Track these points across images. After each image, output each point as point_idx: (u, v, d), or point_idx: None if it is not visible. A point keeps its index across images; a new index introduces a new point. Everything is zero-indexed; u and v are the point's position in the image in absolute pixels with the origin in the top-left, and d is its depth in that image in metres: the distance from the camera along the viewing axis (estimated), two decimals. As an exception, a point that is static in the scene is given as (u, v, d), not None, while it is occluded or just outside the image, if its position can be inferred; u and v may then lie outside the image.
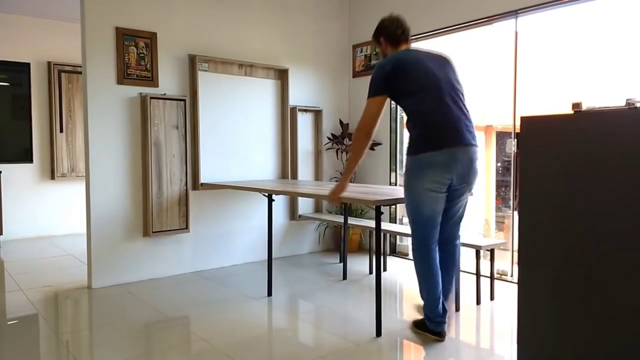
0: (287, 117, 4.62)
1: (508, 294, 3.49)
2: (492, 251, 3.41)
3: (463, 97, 2.59)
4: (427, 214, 2.56)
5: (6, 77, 5.70)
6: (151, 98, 3.81)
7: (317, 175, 4.93)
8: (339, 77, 5.14)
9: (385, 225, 4.27)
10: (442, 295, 2.67)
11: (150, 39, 3.86)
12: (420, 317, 2.89)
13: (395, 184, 4.80)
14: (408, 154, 2.61)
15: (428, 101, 2.50)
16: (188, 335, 2.91)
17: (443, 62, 2.64)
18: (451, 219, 2.70)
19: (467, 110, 2.58)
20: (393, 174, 4.80)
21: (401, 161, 4.82)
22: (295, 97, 4.72)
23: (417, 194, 2.55)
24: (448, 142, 2.46)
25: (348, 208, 4.90)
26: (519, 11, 3.73)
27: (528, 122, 1.83)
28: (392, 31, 2.72)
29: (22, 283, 3.85)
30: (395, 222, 4.78)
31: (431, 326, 2.71)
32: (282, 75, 4.63)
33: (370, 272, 4.09)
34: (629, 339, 1.58)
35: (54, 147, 5.86)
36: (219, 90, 4.25)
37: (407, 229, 4.24)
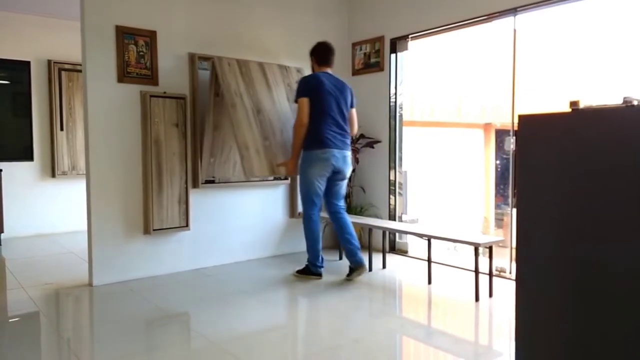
0: (286, 115, 4.64)
1: (506, 291, 3.50)
2: (490, 248, 3.43)
3: (346, 117, 3.78)
4: (313, 192, 3.70)
5: (6, 75, 5.70)
6: (151, 96, 3.82)
7: (317, 173, 4.94)
8: (338, 75, 5.11)
9: (385, 223, 4.29)
10: (321, 248, 3.88)
11: (150, 37, 3.87)
12: (301, 276, 3.88)
13: (395, 181, 4.81)
14: (303, 149, 3.70)
15: (324, 115, 3.64)
16: (188, 332, 2.93)
17: (344, 89, 3.80)
18: (336, 195, 3.85)
19: (346, 126, 3.77)
20: (392, 172, 4.81)
21: (400, 158, 4.83)
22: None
23: (309, 178, 3.68)
24: (330, 145, 3.63)
25: (346, 206, 4.93)
26: (517, 9, 3.73)
27: (526, 120, 1.84)
28: (319, 56, 3.88)
29: (23, 281, 3.87)
30: (395, 220, 4.79)
31: (314, 269, 3.83)
32: (281, 73, 4.64)
33: (370, 270, 4.10)
34: (627, 336, 1.59)
35: (54, 145, 5.87)
36: (218, 88, 4.25)
37: (406, 226, 4.26)
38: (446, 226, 4.76)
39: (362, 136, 4.88)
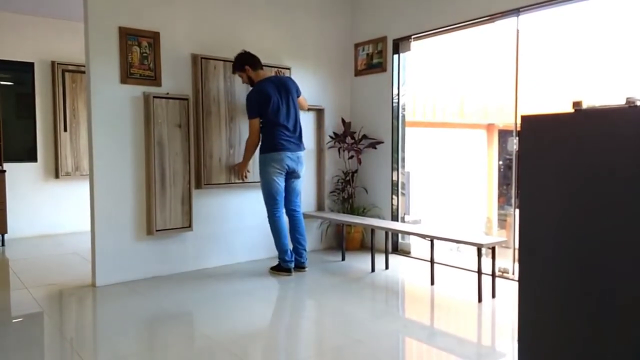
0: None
1: (509, 292, 3.50)
2: (493, 249, 3.42)
3: (296, 118, 4.03)
4: (274, 190, 3.95)
5: (10, 76, 5.73)
6: (154, 97, 3.83)
7: (320, 173, 4.94)
8: (341, 76, 5.15)
9: (388, 224, 4.29)
10: (290, 245, 4.08)
11: (153, 38, 3.88)
12: (274, 272, 4.05)
13: (397, 182, 4.81)
14: (260, 152, 4.00)
15: (276, 125, 3.91)
16: (191, 332, 2.94)
17: (288, 86, 3.99)
18: (292, 192, 4.10)
19: (298, 128, 4.04)
20: (395, 172, 4.80)
21: (403, 159, 4.83)
22: (298, 96, 4.73)
23: (268, 177, 3.93)
24: (283, 149, 3.91)
25: (348, 207, 4.94)
26: (520, 9, 3.73)
27: (529, 121, 1.84)
28: (253, 62, 3.99)
29: (27, 281, 3.89)
30: (397, 220, 4.79)
31: (284, 265, 4.01)
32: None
33: (373, 270, 4.11)
34: (629, 337, 1.59)
35: (58, 146, 5.88)
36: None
37: (409, 227, 4.26)
38: (449, 227, 4.76)
39: (364, 137, 4.88)
